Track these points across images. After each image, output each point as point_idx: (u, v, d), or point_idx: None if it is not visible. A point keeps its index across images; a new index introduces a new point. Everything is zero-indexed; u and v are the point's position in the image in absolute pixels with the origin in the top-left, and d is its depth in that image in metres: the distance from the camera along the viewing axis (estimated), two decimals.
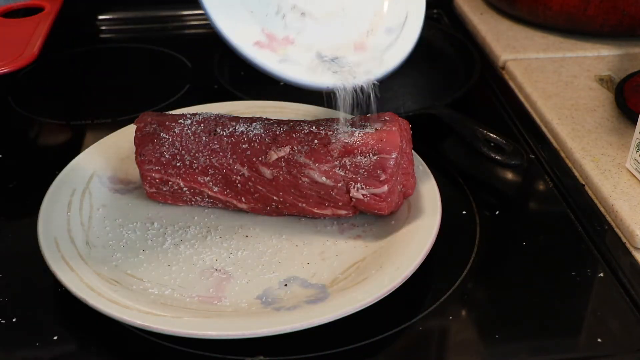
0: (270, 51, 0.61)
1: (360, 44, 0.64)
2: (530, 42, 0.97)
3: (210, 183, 0.66)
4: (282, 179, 0.63)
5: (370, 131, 0.63)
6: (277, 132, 0.64)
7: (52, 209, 0.65)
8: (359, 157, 0.62)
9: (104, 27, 1.09)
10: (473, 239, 0.67)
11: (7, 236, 0.68)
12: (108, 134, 0.75)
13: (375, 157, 0.61)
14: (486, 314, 0.60)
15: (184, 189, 0.66)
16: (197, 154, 0.65)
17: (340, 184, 0.63)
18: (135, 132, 0.67)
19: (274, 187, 0.64)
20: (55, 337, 0.58)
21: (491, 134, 0.75)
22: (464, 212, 0.70)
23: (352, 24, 0.66)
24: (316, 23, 0.65)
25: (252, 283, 0.61)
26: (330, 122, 0.65)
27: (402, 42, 0.66)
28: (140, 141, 0.66)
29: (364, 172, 0.62)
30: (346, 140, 0.62)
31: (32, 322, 0.59)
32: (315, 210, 0.65)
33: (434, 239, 0.61)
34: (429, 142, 0.78)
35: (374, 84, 0.63)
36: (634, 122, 0.72)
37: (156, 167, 0.66)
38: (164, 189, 0.67)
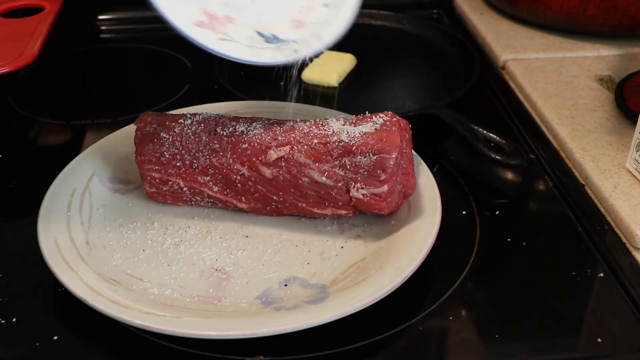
0: (211, 30, 0.62)
1: (298, 20, 0.65)
2: (530, 42, 0.97)
3: (210, 183, 0.66)
4: (282, 178, 0.63)
5: (370, 131, 0.63)
6: (277, 132, 0.64)
7: (52, 209, 0.65)
8: (358, 157, 0.62)
9: (104, 27, 1.09)
10: (473, 239, 0.67)
11: (7, 236, 0.68)
12: (108, 134, 0.75)
13: (375, 157, 0.61)
14: (486, 314, 0.60)
15: (184, 188, 0.66)
16: (197, 154, 0.65)
17: (340, 184, 0.63)
18: (136, 132, 0.67)
19: (274, 186, 0.64)
20: (55, 337, 0.58)
21: (491, 134, 0.75)
22: (464, 212, 0.70)
23: (290, 1, 0.67)
24: (255, 1, 0.66)
25: (252, 283, 0.61)
26: (330, 122, 0.65)
27: (340, 16, 0.66)
28: (140, 141, 0.66)
29: (364, 171, 0.62)
30: (346, 140, 0.62)
31: (32, 322, 0.59)
32: (315, 210, 0.65)
33: (434, 239, 0.61)
34: (429, 142, 0.78)
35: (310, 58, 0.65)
36: (634, 122, 0.72)
37: (156, 167, 0.66)
38: (164, 188, 0.67)
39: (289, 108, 0.79)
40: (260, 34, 0.64)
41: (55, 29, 0.88)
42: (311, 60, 0.65)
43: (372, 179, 0.62)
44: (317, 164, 0.62)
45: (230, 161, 0.64)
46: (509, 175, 0.77)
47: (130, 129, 0.71)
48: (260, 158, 0.64)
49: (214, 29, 0.62)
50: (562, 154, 0.78)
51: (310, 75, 0.90)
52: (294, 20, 0.65)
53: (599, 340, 0.58)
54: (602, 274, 0.64)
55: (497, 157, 0.73)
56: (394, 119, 0.64)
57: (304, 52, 0.64)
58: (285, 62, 0.64)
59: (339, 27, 0.66)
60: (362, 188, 0.62)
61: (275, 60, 0.63)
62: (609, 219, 0.69)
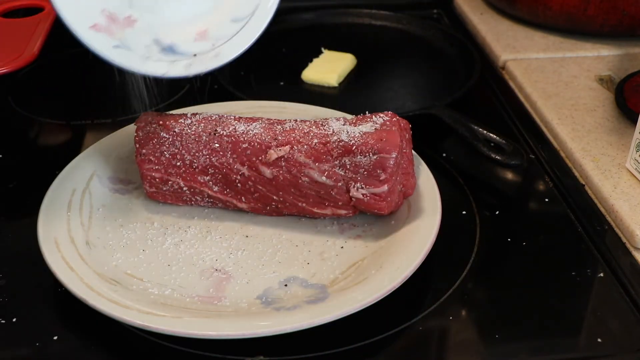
0: (106, 35, 0.60)
1: (202, 32, 0.63)
2: (530, 42, 0.97)
3: (210, 182, 0.66)
4: (282, 178, 0.63)
5: (370, 131, 0.63)
6: (277, 132, 0.64)
7: (52, 209, 0.65)
8: (358, 157, 0.62)
9: None
10: (473, 239, 0.67)
11: (7, 236, 0.68)
12: (108, 134, 0.75)
13: (375, 157, 0.61)
14: (486, 314, 0.60)
15: (184, 188, 0.66)
16: (197, 154, 0.65)
17: (340, 184, 0.63)
18: (136, 131, 0.67)
19: (273, 186, 0.64)
20: (55, 337, 0.58)
21: (491, 134, 0.75)
22: (464, 212, 0.70)
23: (198, 9, 0.65)
24: (164, 4, 0.63)
25: (252, 283, 0.61)
26: (330, 121, 0.65)
27: (244, 34, 0.64)
28: (140, 140, 0.66)
29: (364, 171, 0.62)
30: (346, 140, 0.62)
31: (32, 322, 0.59)
32: (315, 210, 0.65)
33: (434, 239, 0.61)
34: (429, 142, 0.78)
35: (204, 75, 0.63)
36: (634, 122, 0.72)
37: (156, 167, 0.66)
38: (164, 188, 0.67)
39: (289, 108, 0.79)
40: (157, 42, 0.62)
41: (55, 29, 0.88)
42: (204, 76, 0.64)
43: (372, 178, 0.62)
44: (317, 164, 0.62)
45: (230, 161, 0.64)
46: (509, 175, 0.77)
47: (130, 129, 0.71)
48: (260, 158, 0.64)
49: (111, 33, 0.60)
50: (562, 154, 0.78)
51: (310, 75, 0.90)
52: (197, 32, 0.63)
53: (599, 340, 0.58)
54: (602, 274, 0.64)
55: (497, 157, 0.73)
56: (394, 118, 0.64)
57: (196, 69, 0.62)
58: (177, 77, 0.62)
59: (240, 46, 0.64)
60: (362, 188, 0.62)
61: (166, 75, 0.62)
62: (609, 219, 0.69)
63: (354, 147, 0.62)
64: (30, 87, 0.94)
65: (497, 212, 0.71)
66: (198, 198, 0.67)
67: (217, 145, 0.65)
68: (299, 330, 0.55)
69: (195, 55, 0.63)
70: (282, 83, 0.91)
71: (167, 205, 0.69)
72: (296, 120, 0.66)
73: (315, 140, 0.63)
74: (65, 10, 0.58)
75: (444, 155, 0.78)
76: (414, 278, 0.59)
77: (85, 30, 0.59)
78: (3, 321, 0.59)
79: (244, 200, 0.66)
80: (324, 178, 0.63)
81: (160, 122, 0.67)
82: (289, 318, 0.55)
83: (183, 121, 0.67)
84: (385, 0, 1.10)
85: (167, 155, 0.66)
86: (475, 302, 0.61)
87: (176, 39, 0.63)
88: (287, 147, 0.63)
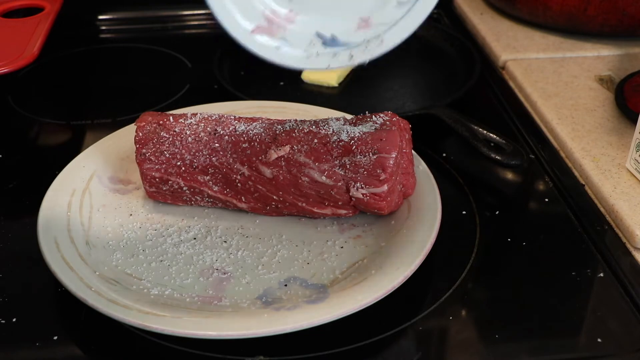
0: (267, 37, 0.60)
1: (365, 19, 0.61)
2: (530, 42, 0.97)
3: (210, 182, 0.66)
4: (282, 178, 0.63)
5: (370, 130, 0.63)
6: (277, 132, 0.64)
7: (52, 209, 0.65)
8: (358, 157, 0.62)
9: (104, 27, 1.09)
10: (473, 239, 0.67)
11: (7, 236, 0.68)
12: (108, 134, 0.75)
13: (375, 157, 0.61)
14: (486, 314, 0.60)
15: (184, 188, 0.66)
16: (197, 153, 0.65)
17: (340, 183, 0.63)
18: (136, 131, 0.67)
19: (273, 186, 0.64)
20: (55, 337, 0.58)
21: (491, 134, 0.75)
22: (464, 212, 0.70)
23: None
24: None
25: (252, 283, 0.61)
26: (330, 121, 0.65)
27: (410, 18, 0.62)
28: (140, 140, 0.66)
29: (364, 171, 0.62)
30: (346, 140, 0.62)
31: (32, 322, 0.59)
32: (315, 210, 0.65)
33: (434, 239, 0.61)
34: (429, 142, 0.78)
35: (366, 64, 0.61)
36: (634, 122, 0.72)
37: (156, 166, 0.66)
38: (164, 188, 0.67)
39: (289, 108, 0.79)
40: (319, 35, 0.60)
41: (55, 29, 0.88)
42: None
43: (372, 178, 0.62)
44: (317, 164, 0.62)
45: (230, 160, 0.64)
46: (509, 175, 0.77)
47: (130, 129, 0.71)
48: (260, 157, 0.64)
49: (272, 33, 0.58)
50: (562, 154, 0.78)
51: (310, 75, 0.90)
52: (361, 19, 0.60)
53: (599, 340, 0.58)
54: (602, 274, 0.64)
55: (497, 157, 0.73)
56: (394, 118, 0.64)
57: (360, 58, 0.60)
58: (339, 67, 0.60)
59: (405, 30, 0.61)
60: (362, 187, 0.62)
61: (330, 67, 0.59)
62: (609, 219, 0.69)
63: (354, 146, 0.62)
64: (30, 87, 0.94)
65: (497, 212, 0.71)
66: (198, 198, 0.67)
67: (217, 145, 0.65)
68: (299, 330, 0.55)
69: (357, 44, 0.60)
70: (282, 83, 0.91)
71: (167, 205, 0.69)
72: (296, 120, 0.66)
73: (315, 140, 0.63)
74: (226, 18, 0.57)
75: (444, 155, 0.78)
76: (414, 278, 0.59)
77: (248, 36, 0.58)
78: (3, 321, 0.59)
79: (244, 200, 0.66)
80: (323, 178, 0.63)
81: (160, 122, 0.67)
82: (289, 318, 0.55)
83: (183, 121, 0.67)
84: None
85: (167, 155, 0.66)
86: (475, 302, 0.61)
87: (338, 29, 0.60)
88: (287, 147, 0.63)
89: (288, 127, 0.65)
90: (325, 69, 0.60)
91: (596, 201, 0.71)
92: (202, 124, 0.66)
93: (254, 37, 0.58)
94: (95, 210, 0.67)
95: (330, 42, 0.60)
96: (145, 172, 0.66)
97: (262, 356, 0.56)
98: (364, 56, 0.60)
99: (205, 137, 0.65)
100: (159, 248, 0.64)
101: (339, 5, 0.61)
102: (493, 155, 0.73)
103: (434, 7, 0.62)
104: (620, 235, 0.67)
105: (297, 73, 0.91)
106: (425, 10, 0.61)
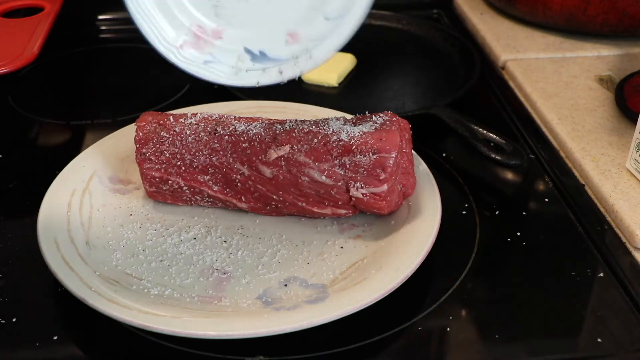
0: (195, 52, 0.59)
1: (293, 34, 0.60)
2: (530, 42, 0.97)
3: (210, 182, 0.66)
4: (281, 177, 0.63)
5: (370, 130, 0.63)
6: (277, 131, 0.64)
7: (52, 209, 0.65)
8: (358, 156, 0.62)
9: (104, 27, 1.09)
10: (473, 239, 0.67)
11: (7, 236, 0.68)
12: (108, 134, 0.75)
13: (374, 156, 0.61)
14: (486, 314, 0.60)
15: (184, 188, 0.66)
16: (197, 153, 0.65)
17: (340, 183, 0.63)
18: (136, 131, 0.67)
19: (273, 186, 0.64)
20: (55, 337, 0.58)
21: (491, 134, 0.75)
22: (463, 212, 0.70)
23: (287, 8, 0.61)
24: (249, 7, 0.60)
25: (252, 283, 0.61)
26: (330, 121, 0.65)
27: (338, 32, 0.60)
28: (140, 140, 0.66)
29: (364, 171, 0.62)
30: (346, 140, 0.62)
31: (32, 322, 0.59)
32: (315, 210, 0.65)
33: (434, 239, 0.61)
34: (429, 142, 0.78)
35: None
36: (634, 122, 0.72)
37: (156, 166, 0.66)
38: (164, 188, 0.67)
39: (289, 108, 0.79)
40: (247, 50, 0.60)
41: (55, 29, 0.88)
42: (298, 79, 0.61)
43: (371, 178, 0.62)
44: (316, 163, 0.62)
45: (230, 160, 0.64)
46: (509, 175, 0.77)
47: (131, 129, 0.71)
48: (260, 157, 0.64)
49: (200, 49, 0.59)
50: (562, 154, 0.78)
51: (310, 75, 0.90)
52: (288, 34, 0.60)
53: (599, 340, 0.58)
54: (602, 274, 0.64)
55: (497, 157, 0.73)
56: (394, 118, 0.64)
57: (290, 73, 0.60)
58: (269, 84, 0.60)
59: (334, 44, 0.60)
60: (361, 187, 0.62)
61: (259, 84, 0.60)
62: (609, 219, 0.69)
63: (354, 146, 0.62)
64: (30, 87, 0.94)
65: (497, 212, 0.71)
66: (198, 198, 0.67)
67: (217, 144, 0.65)
68: (299, 330, 0.55)
69: (286, 59, 0.60)
70: (281, 83, 0.91)
71: (167, 205, 0.69)
72: (296, 120, 0.66)
73: (315, 140, 0.63)
74: (152, 34, 0.58)
75: (444, 155, 0.78)
76: (414, 278, 0.59)
77: (175, 51, 0.58)
78: (3, 321, 0.59)
79: (243, 199, 0.66)
80: (323, 177, 0.63)
81: (161, 122, 0.67)
82: (289, 318, 0.55)
83: (183, 121, 0.67)
84: (385, 0, 1.10)
85: (167, 155, 0.66)
86: (475, 302, 0.61)
87: (266, 45, 0.60)
88: (287, 147, 0.63)
89: (288, 127, 0.65)
90: (256, 85, 0.60)
91: (596, 201, 0.71)
92: (202, 124, 0.66)
93: (181, 53, 0.57)
94: (95, 210, 0.67)
95: (259, 57, 0.60)
96: (145, 171, 0.66)
97: (262, 356, 0.56)
98: (293, 71, 0.61)
99: (205, 137, 0.65)
100: (159, 248, 0.64)
101: (266, 20, 0.61)
102: (493, 155, 0.73)
103: (360, 22, 0.60)
104: (620, 235, 0.67)
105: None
106: (352, 25, 0.60)
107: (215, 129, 0.65)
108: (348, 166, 0.62)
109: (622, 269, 0.64)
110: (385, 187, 0.62)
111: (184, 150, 0.65)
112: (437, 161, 0.77)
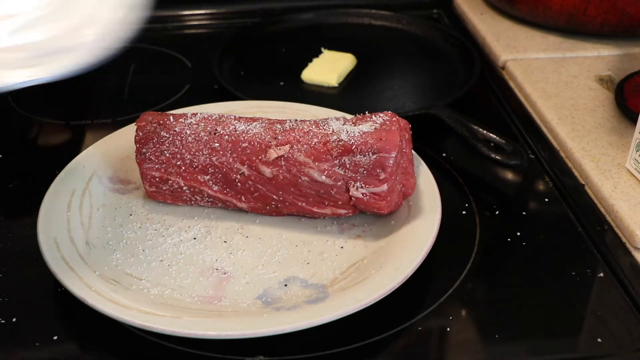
0: None
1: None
2: (530, 42, 0.97)
3: (210, 182, 0.66)
4: (281, 177, 0.63)
5: (370, 130, 0.63)
6: (277, 131, 0.64)
7: (52, 209, 0.65)
8: (358, 156, 0.62)
9: None
10: (473, 239, 0.67)
11: (7, 236, 0.68)
12: (108, 134, 0.75)
13: (374, 156, 0.61)
14: (486, 314, 0.60)
15: (184, 187, 0.66)
16: (197, 153, 0.65)
17: (339, 183, 0.63)
18: (136, 130, 0.67)
19: (273, 185, 0.64)
20: (55, 337, 0.58)
21: (491, 134, 0.75)
22: (463, 212, 0.70)
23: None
24: None
25: (252, 283, 0.61)
26: (330, 121, 0.65)
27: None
28: (140, 140, 0.66)
29: (364, 171, 0.62)
30: (346, 139, 0.62)
31: (32, 322, 0.59)
32: (315, 209, 0.65)
33: (434, 239, 0.61)
34: (429, 142, 0.78)
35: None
36: (634, 122, 0.72)
37: (156, 166, 0.66)
38: (164, 188, 0.67)
39: (289, 108, 0.79)
40: None
41: None
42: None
43: (371, 178, 0.62)
44: (316, 163, 0.62)
45: (230, 160, 0.64)
46: (509, 175, 0.77)
47: (130, 129, 0.71)
48: (260, 157, 0.64)
49: None
50: (562, 154, 0.78)
51: (310, 75, 0.90)
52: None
53: (599, 340, 0.58)
54: (602, 274, 0.64)
55: (497, 157, 0.73)
56: (394, 118, 0.64)
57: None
58: None
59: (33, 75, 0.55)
60: (361, 187, 0.62)
61: None
62: (609, 219, 0.69)
63: (354, 146, 0.62)
64: (30, 87, 0.94)
65: (497, 212, 0.71)
66: (198, 198, 0.67)
67: (217, 144, 0.65)
68: (299, 330, 0.55)
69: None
70: (282, 83, 0.91)
71: (167, 205, 0.69)
72: (296, 120, 0.66)
73: (315, 140, 0.63)
74: None
75: (444, 155, 0.78)
76: (414, 278, 0.59)
77: None
78: (3, 321, 0.59)
79: (243, 199, 0.66)
80: (323, 177, 0.63)
81: (161, 122, 0.67)
82: (289, 318, 0.55)
83: (183, 121, 0.67)
84: (385, 0, 1.10)
85: (167, 155, 0.66)
86: (475, 302, 0.61)
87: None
88: (287, 147, 0.63)
89: (288, 127, 0.65)
90: None
91: (596, 201, 0.71)
92: (202, 124, 0.66)
93: None
94: (95, 210, 0.67)
95: None
96: (145, 171, 0.66)
97: (262, 356, 0.56)
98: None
99: (205, 137, 0.65)
100: (159, 248, 0.64)
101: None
102: (493, 155, 0.73)
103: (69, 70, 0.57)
104: (620, 235, 0.67)
105: (297, 73, 0.91)
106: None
107: (215, 129, 0.65)
108: (348, 166, 0.62)
109: (622, 269, 0.64)
110: (385, 187, 0.62)
111: (184, 150, 0.65)
112: (437, 161, 0.77)
